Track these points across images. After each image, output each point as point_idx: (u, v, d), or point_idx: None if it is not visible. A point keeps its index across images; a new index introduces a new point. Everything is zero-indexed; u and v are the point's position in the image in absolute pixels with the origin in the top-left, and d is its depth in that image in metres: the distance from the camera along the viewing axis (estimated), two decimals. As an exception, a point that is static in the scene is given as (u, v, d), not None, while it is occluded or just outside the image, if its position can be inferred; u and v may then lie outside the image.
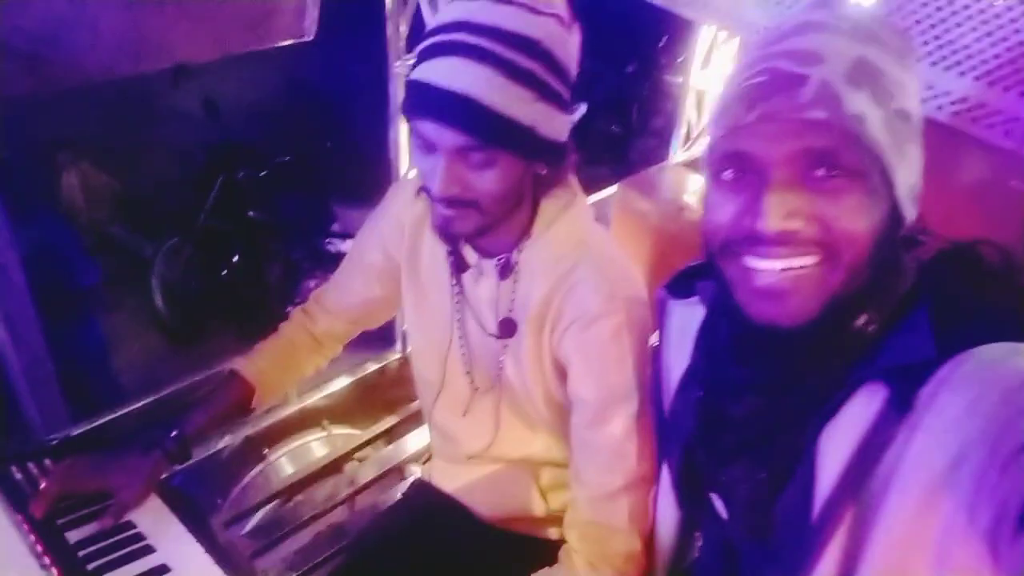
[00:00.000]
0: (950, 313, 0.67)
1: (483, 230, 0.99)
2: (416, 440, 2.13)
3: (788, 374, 0.73)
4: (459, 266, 1.10)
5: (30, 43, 1.71)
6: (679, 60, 4.73)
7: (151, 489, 1.09)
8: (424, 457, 2.05)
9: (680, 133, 3.15)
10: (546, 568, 1.05)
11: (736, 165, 0.70)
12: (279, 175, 3.62)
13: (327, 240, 3.85)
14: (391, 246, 1.21)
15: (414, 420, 2.21)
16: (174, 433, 1.13)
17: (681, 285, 0.92)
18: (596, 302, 1.00)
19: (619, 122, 5.47)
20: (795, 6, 1.21)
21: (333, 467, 2.05)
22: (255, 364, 1.27)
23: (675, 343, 0.92)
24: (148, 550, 0.99)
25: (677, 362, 0.91)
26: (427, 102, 0.88)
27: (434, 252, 1.14)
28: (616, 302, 1.00)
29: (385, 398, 2.36)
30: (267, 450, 2.09)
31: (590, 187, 2.35)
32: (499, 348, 1.10)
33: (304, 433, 2.15)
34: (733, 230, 0.70)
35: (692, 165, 2.43)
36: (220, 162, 3.59)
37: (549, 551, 1.22)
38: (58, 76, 1.71)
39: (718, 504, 0.82)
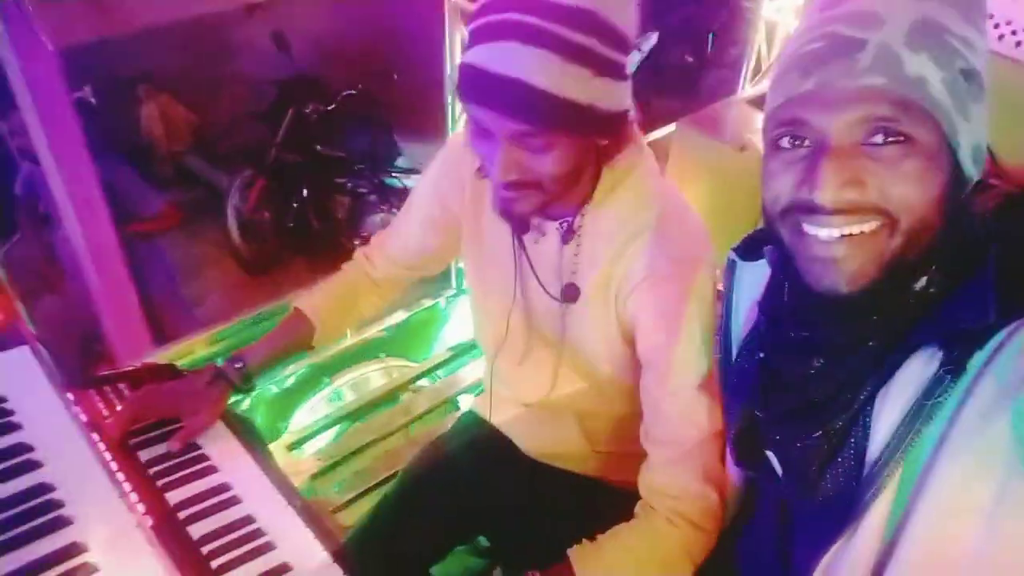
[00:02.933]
0: (1016, 274, 0.65)
1: (547, 206, 0.97)
2: (468, 374, 2.20)
3: (849, 337, 0.73)
4: (520, 226, 1.07)
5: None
6: (759, -15, 4.45)
7: (217, 416, 1.12)
8: (475, 389, 2.12)
9: (749, 66, 3.01)
10: (624, 523, 1.04)
11: (793, 132, 0.68)
12: (346, 109, 3.58)
13: (393, 175, 3.82)
14: (450, 200, 1.20)
15: (466, 355, 2.27)
16: (239, 365, 1.18)
17: (750, 247, 0.91)
18: (664, 264, 0.99)
19: (693, 52, 5.14)
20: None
21: (390, 397, 2.14)
22: (316, 303, 1.29)
23: (744, 304, 0.92)
24: (211, 470, 1.04)
25: (746, 323, 0.91)
26: (481, 89, 0.85)
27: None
28: (685, 264, 0.99)
29: (439, 333, 2.42)
30: (329, 378, 2.17)
31: (659, 121, 2.29)
32: (561, 310, 1.10)
33: (364, 364, 2.23)
34: (791, 199, 0.69)
35: (758, 102, 2.36)
36: (290, 96, 3.60)
37: (588, 485, 1.28)
38: (126, 20, 1.73)
39: (775, 462, 0.82)
